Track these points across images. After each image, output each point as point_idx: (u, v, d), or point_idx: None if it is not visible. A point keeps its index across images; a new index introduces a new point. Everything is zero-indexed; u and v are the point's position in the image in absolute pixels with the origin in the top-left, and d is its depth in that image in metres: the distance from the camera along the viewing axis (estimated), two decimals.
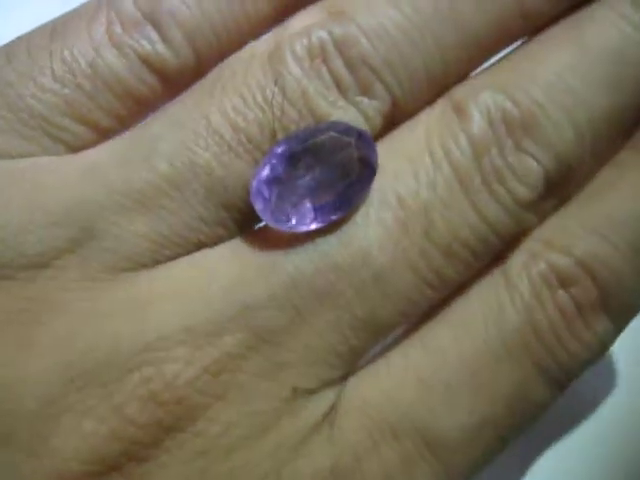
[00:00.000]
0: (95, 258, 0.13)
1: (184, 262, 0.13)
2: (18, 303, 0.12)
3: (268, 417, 0.13)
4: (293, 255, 0.13)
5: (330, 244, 0.13)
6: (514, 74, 0.14)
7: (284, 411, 0.13)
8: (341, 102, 0.13)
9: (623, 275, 0.14)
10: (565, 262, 0.14)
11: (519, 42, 0.15)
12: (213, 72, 0.14)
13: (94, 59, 0.13)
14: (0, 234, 0.12)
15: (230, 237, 0.13)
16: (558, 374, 0.14)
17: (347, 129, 0.13)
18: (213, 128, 0.13)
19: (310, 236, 0.13)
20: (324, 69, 0.13)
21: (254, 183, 0.13)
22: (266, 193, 0.13)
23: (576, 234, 0.14)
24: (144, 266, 0.13)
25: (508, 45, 0.15)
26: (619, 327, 0.14)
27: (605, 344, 0.14)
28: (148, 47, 0.13)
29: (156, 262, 0.13)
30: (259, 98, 0.13)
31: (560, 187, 0.14)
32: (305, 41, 0.13)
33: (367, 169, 0.13)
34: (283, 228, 0.13)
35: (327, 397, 0.13)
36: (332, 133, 0.13)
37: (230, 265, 0.13)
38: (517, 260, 0.14)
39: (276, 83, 0.13)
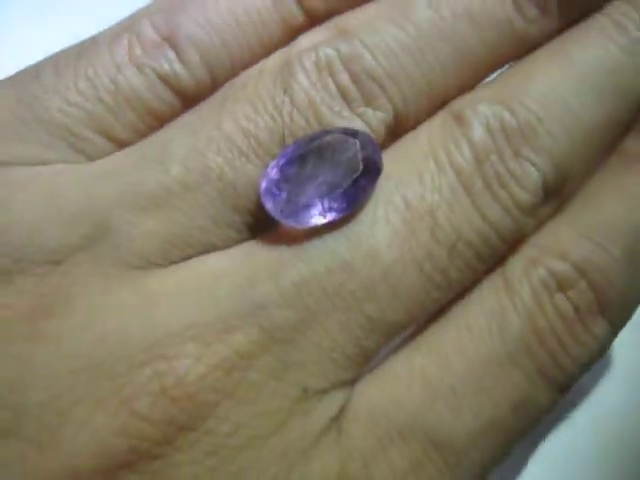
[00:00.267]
0: (108, 255, 0.13)
1: (195, 262, 0.13)
2: (32, 298, 0.12)
3: (277, 418, 0.13)
4: (304, 254, 0.13)
5: (339, 243, 0.13)
6: (510, 88, 0.15)
7: (293, 412, 0.13)
8: (346, 112, 0.14)
9: (617, 279, 0.14)
10: (562, 267, 0.14)
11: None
12: (226, 86, 0.14)
13: (116, 77, 0.14)
14: (16, 230, 0.12)
15: (240, 239, 0.14)
16: (560, 377, 0.14)
17: (350, 131, 0.13)
18: (225, 134, 0.13)
19: (319, 232, 0.13)
20: (331, 82, 0.14)
21: (264, 183, 0.13)
22: (276, 192, 0.13)
23: (572, 240, 0.15)
24: (156, 264, 0.13)
25: (503, 65, 0.15)
26: (616, 329, 0.15)
27: (603, 346, 0.15)
28: (166, 67, 0.14)
29: (168, 261, 0.13)
30: (269, 106, 0.14)
31: (556, 193, 0.15)
32: (313, 56, 0.14)
33: (372, 168, 0.13)
34: (293, 224, 0.13)
35: (337, 399, 0.13)
36: (337, 134, 0.13)
37: (241, 265, 0.13)
38: (517, 265, 0.15)
39: (285, 92, 0.14)
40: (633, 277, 0.15)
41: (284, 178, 0.13)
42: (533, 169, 0.14)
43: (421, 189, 0.14)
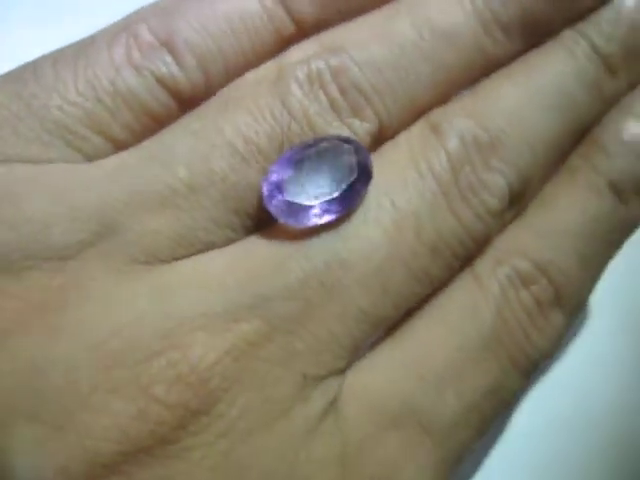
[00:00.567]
0: (117, 252, 0.13)
1: (200, 258, 0.14)
2: (44, 293, 0.13)
3: (282, 403, 0.13)
4: (304, 250, 0.14)
5: (337, 241, 0.14)
6: (480, 105, 0.16)
7: (296, 398, 0.14)
8: (336, 122, 0.15)
9: (571, 275, 0.16)
10: (525, 265, 0.16)
11: None
12: (224, 92, 0.15)
13: (115, 78, 0.14)
14: (26, 227, 0.13)
15: (237, 239, 0.15)
16: (526, 364, 0.16)
17: (345, 139, 0.15)
18: (227, 140, 0.14)
19: (317, 232, 0.14)
20: (322, 94, 0.15)
21: (265, 186, 0.14)
22: (277, 195, 0.14)
23: (532, 242, 0.16)
24: (162, 261, 0.14)
25: (475, 79, 0.17)
26: (570, 319, 0.17)
27: (560, 334, 0.17)
28: (164, 69, 0.15)
29: (173, 259, 0.14)
30: (268, 116, 0.15)
31: (519, 200, 0.17)
32: (305, 69, 0.15)
33: (364, 172, 0.15)
34: (293, 224, 0.14)
35: (332, 385, 0.14)
36: (333, 141, 0.14)
37: (245, 260, 0.14)
38: (485, 264, 0.16)
39: (283, 103, 0.15)
40: (584, 273, 0.17)
41: (285, 181, 0.14)
42: (501, 178, 0.16)
43: (407, 194, 0.15)
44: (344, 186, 0.14)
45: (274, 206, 0.14)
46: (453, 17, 0.16)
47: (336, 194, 0.14)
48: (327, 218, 0.14)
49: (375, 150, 0.16)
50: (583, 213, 0.17)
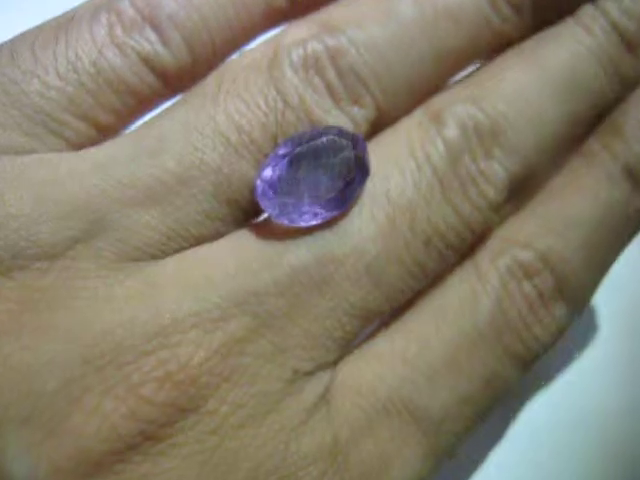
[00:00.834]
0: (107, 248, 0.13)
1: (190, 253, 0.14)
2: (33, 293, 0.13)
3: (272, 398, 0.14)
4: (295, 246, 0.14)
5: (328, 238, 0.14)
6: (483, 89, 0.16)
7: (286, 392, 0.14)
8: (334, 110, 0.15)
9: (576, 267, 0.16)
10: (527, 256, 0.16)
11: None
12: (214, 76, 0.15)
13: (97, 58, 0.14)
14: (13, 225, 0.13)
15: (227, 232, 0.14)
16: (525, 355, 0.16)
17: (343, 133, 0.14)
18: (219, 130, 0.14)
19: (310, 230, 0.14)
20: (318, 79, 0.15)
21: (258, 182, 0.14)
22: (270, 192, 0.14)
23: (536, 231, 0.16)
24: (153, 257, 0.14)
25: (479, 59, 0.16)
26: (574, 312, 0.16)
27: (562, 328, 0.16)
28: (148, 48, 0.14)
29: (164, 253, 0.14)
30: (261, 103, 0.14)
31: (521, 190, 0.16)
32: (301, 51, 0.15)
33: (362, 169, 0.14)
34: (286, 223, 0.14)
35: (323, 378, 0.14)
36: (331, 136, 0.14)
37: (235, 255, 0.14)
38: (485, 255, 0.16)
39: (277, 90, 0.14)
40: (590, 265, 0.16)
41: (278, 178, 0.14)
42: (501, 168, 0.15)
43: (402, 185, 0.15)
44: (340, 186, 0.14)
45: (267, 204, 0.14)
46: None
47: (332, 194, 0.14)
48: (321, 219, 0.14)
49: (373, 137, 0.16)
50: (594, 200, 0.16)
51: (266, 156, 0.14)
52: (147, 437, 0.12)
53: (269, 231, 0.14)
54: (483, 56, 0.16)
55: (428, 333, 0.15)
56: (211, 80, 0.15)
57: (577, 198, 0.16)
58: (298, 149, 0.14)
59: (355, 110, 0.15)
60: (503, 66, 0.16)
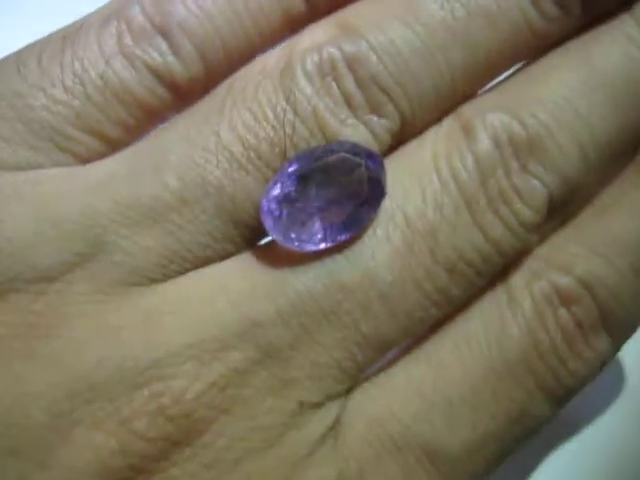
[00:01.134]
0: (104, 272, 0.13)
1: (192, 277, 0.13)
2: (26, 317, 0.12)
3: (274, 432, 0.13)
4: (301, 273, 0.13)
5: (338, 263, 0.13)
6: (521, 95, 0.14)
7: (290, 425, 0.13)
8: (351, 120, 0.13)
9: (622, 294, 0.14)
10: (566, 281, 0.14)
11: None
12: (223, 86, 0.14)
13: (104, 70, 0.13)
14: (9, 247, 0.12)
15: (237, 251, 0.14)
16: (558, 391, 0.14)
17: (358, 149, 0.13)
18: (223, 144, 0.13)
19: (318, 255, 0.13)
20: (334, 87, 0.13)
21: (264, 201, 0.13)
22: (276, 212, 0.13)
23: (577, 253, 0.14)
24: (153, 280, 0.13)
25: (516, 64, 0.15)
26: (618, 345, 0.15)
27: (604, 361, 0.15)
28: (158, 59, 0.14)
29: (165, 276, 0.13)
30: (270, 115, 0.13)
31: (563, 208, 0.14)
32: (316, 58, 0.13)
33: (377, 190, 0.13)
34: (292, 247, 0.13)
35: (332, 410, 0.13)
36: (343, 154, 0.13)
37: (238, 281, 0.13)
38: (519, 278, 0.14)
39: (287, 100, 0.13)
40: (638, 292, 0.14)
41: (285, 199, 0.13)
42: (539, 185, 0.14)
43: (423, 206, 0.13)
44: (352, 208, 0.13)
45: (272, 226, 0.13)
46: None
47: (342, 217, 0.13)
48: (330, 243, 0.13)
49: (397, 149, 0.14)
50: None
51: (274, 173, 0.13)
52: (140, 471, 0.12)
53: (275, 255, 0.13)
54: (523, 60, 0.15)
55: (449, 364, 0.14)
56: (219, 90, 0.14)
57: (626, 218, 0.15)
58: (307, 167, 0.13)
59: (375, 120, 0.14)
60: (545, 69, 0.14)
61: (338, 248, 0.13)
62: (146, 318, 0.13)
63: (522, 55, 0.15)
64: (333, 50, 0.13)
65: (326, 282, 0.13)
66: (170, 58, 0.14)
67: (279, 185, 0.13)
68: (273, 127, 0.13)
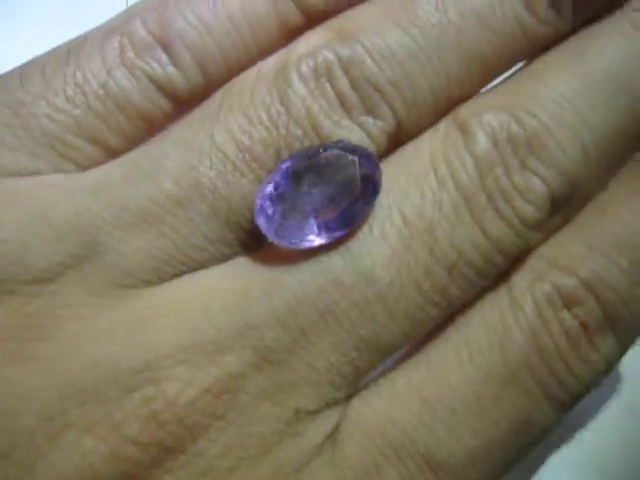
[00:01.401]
0: (97, 274, 0.13)
1: (187, 279, 0.13)
2: (20, 319, 0.12)
3: (269, 439, 0.12)
4: (297, 273, 0.13)
5: (334, 262, 0.13)
6: (518, 94, 0.14)
7: (286, 433, 0.13)
8: (346, 121, 0.13)
9: (627, 295, 0.14)
10: (569, 282, 0.14)
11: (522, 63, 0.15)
12: (220, 91, 0.14)
13: (106, 81, 0.14)
14: (3, 249, 0.12)
15: (233, 254, 0.13)
16: (563, 396, 0.14)
17: (351, 147, 0.13)
18: (217, 147, 0.13)
19: (314, 253, 0.13)
20: (329, 88, 0.13)
21: (257, 200, 0.13)
22: (269, 210, 0.13)
23: (580, 254, 0.14)
24: (147, 282, 0.13)
25: (512, 67, 0.15)
26: (624, 347, 0.14)
27: (610, 364, 0.14)
28: (159, 70, 0.14)
29: (159, 279, 0.13)
30: (264, 117, 0.13)
31: (565, 206, 0.14)
32: (311, 61, 0.13)
33: (371, 187, 0.13)
34: (286, 245, 0.13)
35: (330, 418, 0.13)
36: (336, 151, 0.13)
37: (233, 283, 0.13)
38: (521, 279, 0.14)
39: (281, 102, 0.13)
40: None
41: (279, 196, 0.13)
42: (540, 182, 0.13)
43: (421, 204, 0.13)
44: (345, 204, 0.13)
45: (265, 224, 0.13)
46: None
47: (336, 213, 0.13)
48: (325, 240, 0.13)
49: (394, 151, 0.14)
50: None
51: (268, 174, 0.13)
52: (131, 477, 0.12)
53: (270, 256, 0.13)
54: (518, 62, 0.15)
55: (450, 370, 0.14)
56: (216, 96, 0.14)
57: (628, 217, 0.14)
58: (300, 164, 0.13)
59: (370, 121, 0.13)
60: (542, 69, 0.14)
61: (333, 246, 0.13)
62: (139, 320, 0.12)
63: (517, 58, 0.15)
64: (328, 53, 0.14)
65: (322, 281, 0.13)
66: (170, 69, 0.14)
67: (272, 183, 0.13)
68: (267, 129, 0.13)
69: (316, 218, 0.13)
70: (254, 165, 0.13)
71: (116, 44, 0.14)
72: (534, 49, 0.15)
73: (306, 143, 0.13)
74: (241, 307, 0.13)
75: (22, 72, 0.14)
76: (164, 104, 0.14)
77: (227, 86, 0.14)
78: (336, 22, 0.14)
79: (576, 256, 0.14)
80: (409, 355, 0.14)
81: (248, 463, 0.12)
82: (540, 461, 0.17)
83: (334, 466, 0.13)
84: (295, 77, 0.13)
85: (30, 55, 0.15)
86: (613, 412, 0.18)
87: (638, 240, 0.14)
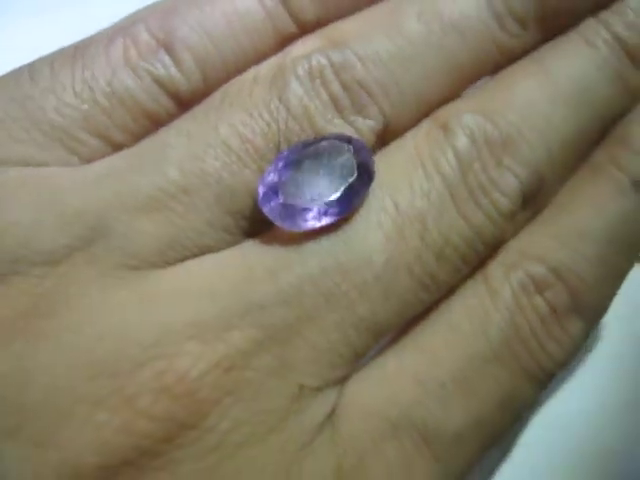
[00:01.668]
0: (105, 256, 0.13)
1: (193, 263, 0.13)
2: (29, 299, 0.12)
3: (276, 415, 0.13)
4: (299, 255, 0.13)
5: (335, 245, 0.14)
6: (493, 100, 0.15)
7: (291, 409, 0.13)
8: (338, 120, 0.15)
9: (590, 280, 0.15)
10: (540, 270, 0.15)
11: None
12: (220, 90, 0.15)
13: (112, 79, 0.14)
14: (13, 231, 0.12)
15: (233, 242, 0.14)
16: (539, 374, 0.15)
17: (345, 137, 0.14)
18: (222, 139, 0.14)
19: (316, 236, 0.14)
20: (323, 90, 0.15)
21: (261, 188, 0.13)
22: (273, 196, 0.13)
23: (548, 245, 0.16)
24: (153, 265, 0.13)
25: (487, 74, 0.16)
26: (589, 327, 0.16)
27: (578, 344, 0.15)
28: (162, 70, 0.14)
29: (165, 263, 0.13)
30: (264, 113, 0.14)
31: (533, 200, 0.16)
32: (306, 64, 0.15)
33: (365, 173, 0.14)
34: (290, 227, 0.13)
35: (330, 397, 0.14)
36: (333, 140, 0.14)
37: (239, 265, 0.13)
38: (497, 269, 0.15)
39: (280, 100, 0.14)
40: (604, 278, 0.16)
41: (281, 182, 0.13)
42: (513, 177, 0.15)
43: (411, 195, 0.14)
44: (343, 187, 0.14)
45: (269, 208, 0.13)
46: (464, 7, 0.16)
47: (335, 196, 0.13)
48: (325, 221, 0.13)
49: (381, 149, 0.15)
50: (604, 213, 0.16)
51: (269, 164, 0.14)
52: (143, 452, 0.12)
53: (273, 239, 0.14)
54: (491, 71, 0.16)
55: (439, 350, 0.14)
56: (216, 94, 0.15)
57: (587, 211, 0.16)
58: (299, 153, 0.14)
59: (359, 120, 0.15)
60: (512, 78, 0.16)
61: (334, 230, 0.14)
62: (147, 299, 0.13)
63: (491, 66, 0.16)
64: (321, 58, 0.15)
65: (324, 263, 0.13)
66: (173, 70, 0.14)
67: (274, 172, 0.14)
68: (267, 123, 0.14)
69: (316, 202, 0.14)
70: (256, 156, 0.14)
71: (120, 46, 0.15)
72: (506, 59, 0.16)
73: (303, 137, 0.14)
74: (247, 287, 0.13)
75: (31, 68, 0.14)
76: (168, 104, 0.15)
77: (227, 85, 0.15)
78: (328, 31, 0.16)
79: (544, 247, 0.16)
80: (395, 341, 0.15)
81: (256, 439, 0.13)
82: (540, 461, 0.18)
83: (335, 444, 0.13)
84: (292, 78, 0.14)
85: (22, 51, 0.15)
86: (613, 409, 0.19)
87: (597, 232, 0.16)
